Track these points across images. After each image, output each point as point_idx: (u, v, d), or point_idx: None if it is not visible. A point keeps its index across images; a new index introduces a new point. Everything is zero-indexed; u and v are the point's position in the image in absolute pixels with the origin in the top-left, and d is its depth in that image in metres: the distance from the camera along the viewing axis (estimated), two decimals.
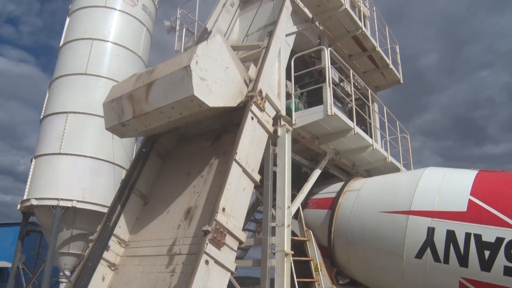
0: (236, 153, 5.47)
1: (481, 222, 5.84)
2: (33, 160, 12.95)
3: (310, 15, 8.70)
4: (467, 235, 5.82)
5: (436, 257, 6.05)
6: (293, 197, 7.43)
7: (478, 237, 5.73)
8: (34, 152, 13.27)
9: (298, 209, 7.72)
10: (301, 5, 8.43)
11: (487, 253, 5.61)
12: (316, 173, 7.96)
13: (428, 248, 6.14)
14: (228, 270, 5.04)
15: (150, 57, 16.10)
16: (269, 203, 6.41)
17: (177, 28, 10.14)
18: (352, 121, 7.77)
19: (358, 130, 7.82)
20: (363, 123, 9.50)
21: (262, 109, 6.22)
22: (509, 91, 59.09)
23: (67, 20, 15.27)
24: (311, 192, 8.21)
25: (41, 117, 13.71)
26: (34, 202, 11.90)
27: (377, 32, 10.71)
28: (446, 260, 5.94)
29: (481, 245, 5.67)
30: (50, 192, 11.94)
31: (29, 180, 12.70)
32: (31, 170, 12.84)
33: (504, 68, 59.95)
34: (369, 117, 8.88)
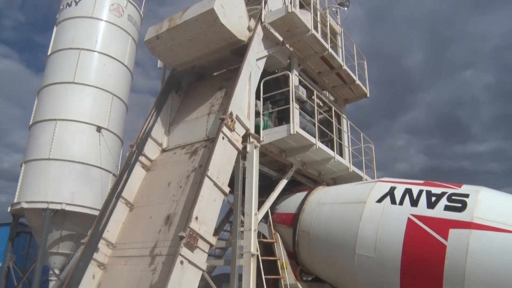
0: (208, 169, 6.44)
1: (433, 186, 7.58)
2: (23, 165, 13.66)
3: (280, 39, 9.58)
4: (420, 191, 7.53)
5: (393, 201, 7.62)
6: (263, 203, 8.40)
7: (428, 191, 7.46)
8: (24, 157, 13.98)
9: (267, 213, 8.67)
10: (272, 30, 9.34)
11: (433, 198, 7.30)
12: (283, 183, 8.94)
13: (388, 196, 7.73)
14: (200, 269, 6.02)
15: (135, 66, 16.87)
16: (238, 210, 7.36)
17: None
18: (315, 137, 8.76)
19: (320, 145, 8.83)
20: (332, 133, 10.42)
21: (232, 130, 7.19)
22: (491, 91, 60.93)
23: (55, 29, 15.90)
24: (279, 198, 9.20)
25: (30, 123, 14.40)
26: (25, 205, 12.59)
27: (344, 51, 11.74)
28: (401, 203, 7.51)
29: (430, 195, 7.39)
30: (40, 196, 12.63)
31: (19, 184, 13.38)
32: (21, 174, 13.51)
33: (486, 68, 61.72)
34: (333, 132, 9.86)
